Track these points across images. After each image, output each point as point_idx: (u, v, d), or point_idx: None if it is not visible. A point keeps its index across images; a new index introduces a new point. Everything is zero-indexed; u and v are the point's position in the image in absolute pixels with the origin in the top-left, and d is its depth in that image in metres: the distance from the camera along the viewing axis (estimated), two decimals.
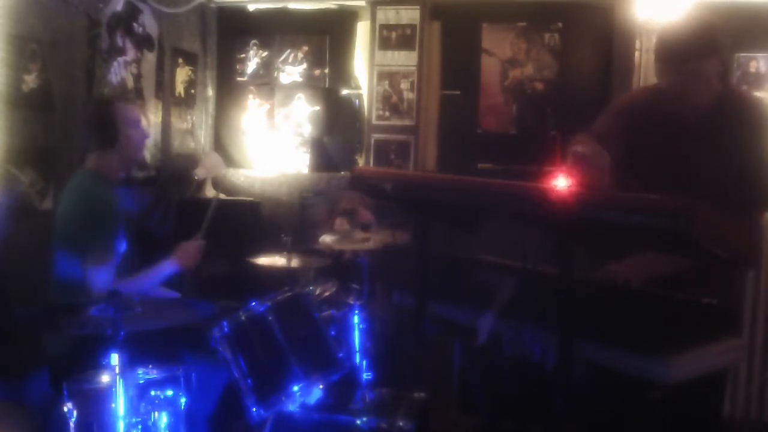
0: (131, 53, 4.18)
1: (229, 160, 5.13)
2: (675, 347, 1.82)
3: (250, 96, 5.19)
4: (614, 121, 2.58)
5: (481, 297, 2.19)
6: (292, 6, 5.05)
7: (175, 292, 3.22)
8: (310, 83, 5.03)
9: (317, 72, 5.06)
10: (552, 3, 4.57)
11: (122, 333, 2.07)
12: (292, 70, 5.10)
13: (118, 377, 2.08)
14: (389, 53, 4.74)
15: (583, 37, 4.55)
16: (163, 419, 2.27)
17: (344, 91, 4.97)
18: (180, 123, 4.87)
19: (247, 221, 4.61)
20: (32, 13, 3.37)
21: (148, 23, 4.33)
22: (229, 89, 5.23)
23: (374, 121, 4.79)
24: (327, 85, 5.01)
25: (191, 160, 4.93)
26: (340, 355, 2.48)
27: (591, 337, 1.92)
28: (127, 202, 3.60)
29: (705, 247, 1.64)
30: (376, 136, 4.81)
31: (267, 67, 5.15)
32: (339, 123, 4.94)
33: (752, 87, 4.18)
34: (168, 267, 2.96)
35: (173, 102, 4.76)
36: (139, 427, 2.21)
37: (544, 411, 2.04)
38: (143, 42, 4.30)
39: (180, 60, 4.81)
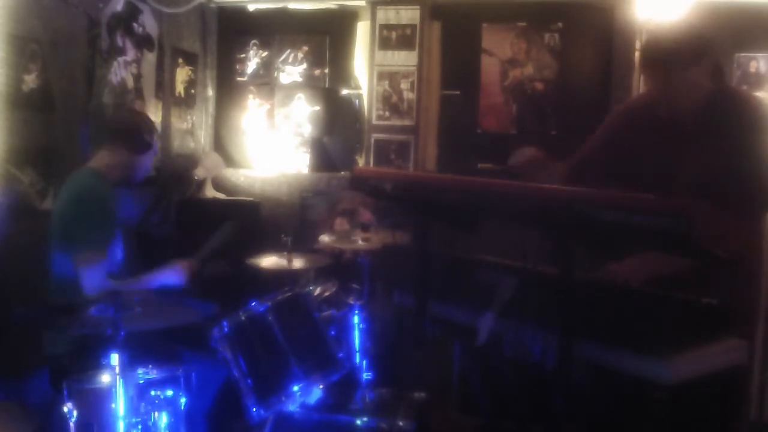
0: (131, 53, 4.18)
1: (229, 160, 5.13)
2: (675, 347, 1.83)
3: (250, 96, 5.20)
4: (614, 125, 2.61)
5: (481, 297, 2.19)
6: (292, 6, 5.05)
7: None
8: (310, 83, 5.04)
9: (317, 72, 5.06)
10: (552, 3, 4.57)
11: (122, 333, 2.08)
12: (292, 70, 5.10)
13: (118, 377, 2.08)
14: (389, 53, 4.74)
15: (583, 37, 4.55)
16: (163, 419, 2.27)
17: (344, 91, 4.97)
18: (180, 123, 4.87)
19: (247, 221, 4.61)
20: (32, 13, 3.37)
21: (148, 23, 4.33)
22: (229, 89, 5.23)
23: (374, 121, 4.80)
24: (327, 85, 5.01)
25: (191, 160, 4.94)
26: (340, 355, 2.48)
27: (591, 337, 1.92)
28: (126, 205, 3.60)
29: (705, 247, 1.64)
30: (376, 136, 4.81)
31: (267, 67, 5.15)
32: (339, 123, 4.95)
33: (752, 87, 4.17)
34: (159, 278, 2.94)
35: (173, 102, 4.76)
36: (139, 427, 2.22)
37: (544, 411, 2.04)
38: (143, 42, 4.30)
39: (180, 60, 4.81)
